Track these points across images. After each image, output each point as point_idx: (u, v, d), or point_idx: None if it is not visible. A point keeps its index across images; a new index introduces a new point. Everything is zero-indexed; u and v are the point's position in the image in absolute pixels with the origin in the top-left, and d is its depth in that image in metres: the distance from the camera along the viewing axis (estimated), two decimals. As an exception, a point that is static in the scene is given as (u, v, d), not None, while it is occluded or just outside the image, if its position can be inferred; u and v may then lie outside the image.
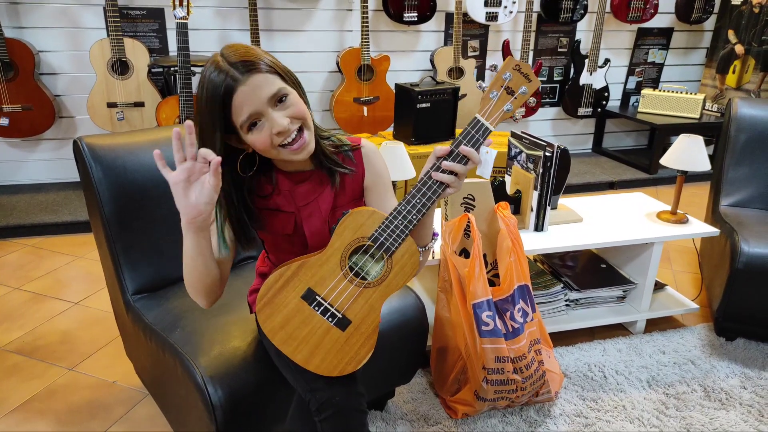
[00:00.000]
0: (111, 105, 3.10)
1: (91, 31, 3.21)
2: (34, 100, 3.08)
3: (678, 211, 2.18)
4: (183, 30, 2.90)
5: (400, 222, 1.06)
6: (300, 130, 1.09)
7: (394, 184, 2.01)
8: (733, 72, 4.07)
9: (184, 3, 2.87)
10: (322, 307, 1.10)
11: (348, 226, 1.07)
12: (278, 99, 1.06)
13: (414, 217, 1.06)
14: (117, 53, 3.03)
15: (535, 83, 1.07)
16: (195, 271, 1.11)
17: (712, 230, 2.11)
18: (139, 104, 3.13)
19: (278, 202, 1.19)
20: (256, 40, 3.26)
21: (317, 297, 1.10)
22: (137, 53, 3.07)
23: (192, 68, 3.02)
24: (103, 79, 3.06)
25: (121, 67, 3.07)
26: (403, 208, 1.06)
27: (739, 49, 4.02)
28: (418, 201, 1.05)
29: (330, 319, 1.10)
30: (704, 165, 2.08)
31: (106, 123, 3.13)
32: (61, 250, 2.76)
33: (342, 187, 1.20)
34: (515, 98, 1.06)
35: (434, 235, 1.18)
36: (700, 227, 2.11)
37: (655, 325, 2.23)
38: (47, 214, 2.97)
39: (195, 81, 3.17)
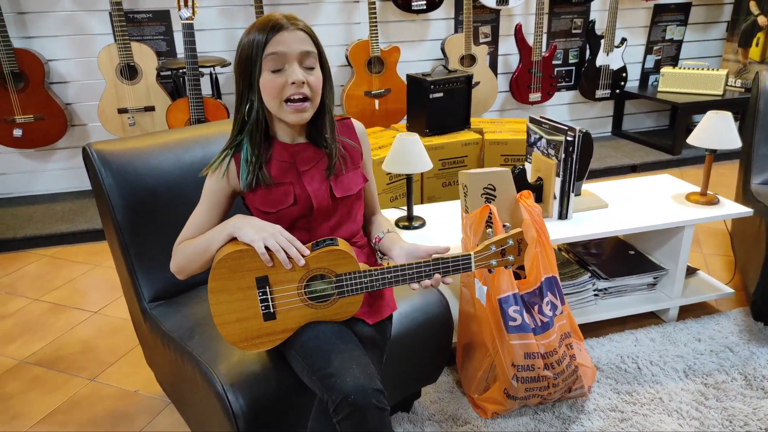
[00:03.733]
0: (122, 111, 3.08)
1: (98, 37, 3.19)
2: (46, 109, 3.07)
3: (708, 191, 2.09)
4: (189, 31, 2.87)
5: (367, 282, 1.17)
6: (306, 99, 1.17)
7: (410, 177, 1.96)
8: (757, 45, 3.92)
9: (189, 3, 2.83)
10: (263, 297, 1.17)
11: (327, 257, 1.16)
12: (306, 64, 1.16)
13: (379, 285, 1.18)
14: (125, 58, 3.00)
15: (520, 259, 1.24)
16: (201, 264, 1.21)
17: (745, 210, 2.01)
18: (150, 108, 3.11)
19: (275, 174, 1.23)
20: (263, 37, 3.22)
21: (267, 288, 1.17)
22: (145, 57, 3.05)
23: (200, 69, 2.98)
24: (113, 85, 3.04)
25: (129, 71, 3.04)
26: (376, 275, 1.16)
27: (762, 20, 3.87)
28: (388, 279, 1.17)
29: (263, 309, 1.18)
30: (734, 142, 1.99)
31: (117, 129, 3.11)
32: (79, 259, 2.76)
33: (341, 156, 1.27)
34: (502, 259, 1.23)
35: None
36: (732, 207, 2.02)
37: (688, 311, 2.14)
38: (64, 224, 2.97)
39: (204, 82, 3.14)
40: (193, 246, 1.21)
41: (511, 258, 1.23)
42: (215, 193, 1.24)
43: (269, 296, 1.17)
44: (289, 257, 1.14)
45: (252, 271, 1.15)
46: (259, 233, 1.13)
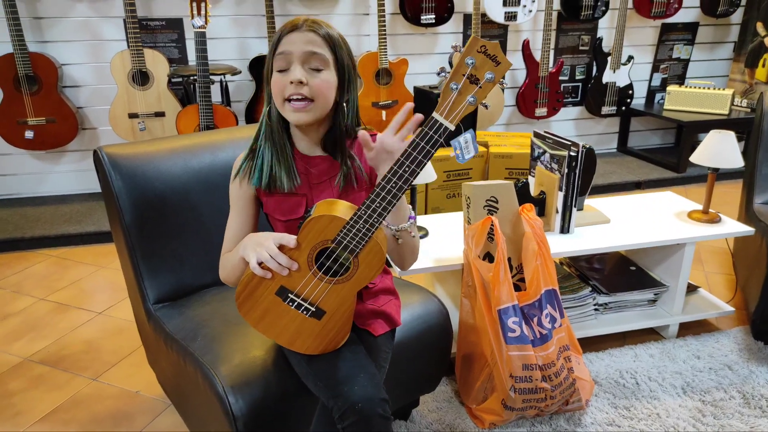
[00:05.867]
0: (132, 116, 3.13)
1: (112, 43, 3.25)
2: (58, 112, 3.12)
3: (710, 210, 2.10)
4: (201, 39, 2.92)
5: (362, 226, 1.05)
6: (305, 99, 1.15)
7: (414, 187, 1.98)
8: (763, 65, 3.94)
9: (203, 12, 2.88)
10: (295, 303, 1.15)
11: (311, 230, 1.09)
12: (313, 65, 1.14)
13: (376, 220, 1.05)
14: (137, 64, 3.05)
15: (505, 65, 0.94)
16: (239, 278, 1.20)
17: (746, 229, 2.02)
18: (160, 114, 3.15)
19: (287, 183, 1.22)
20: (274, 47, 3.26)
21: (289, 294, 1.14)
22: (157, 63, 3.10)
23: (211, 77, 3.03)
24: (124, 90, 3.09)
25: (141, 77, 3.09)
26: (363, 212, 1.04)
27: (768, 42, 3.89)
28: (378, 205, 1.04)
29: (305, 312, 1.16)
30: (737, 161, 2.01)
31: (127, 134, 3.16)
32: (85, 261, 2.79)
33: (355, 173, 1.24)
34: (480, 87, 0.95)
35: (411, 218, 1.20)
36: (734, 226, 2.03)
37: (688, 329, 2.15)
38: (71, 225, 3.01)
39: (214, 89, 3.18)
40: (227, 261, 1.23)
41: (490, 76, 0.95)
42: (240, 197, 1.25)
43: (299, 299, 1.15)
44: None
45: (268, 289, 1.14)
46: (254, 249, 1.11)
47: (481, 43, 0.94)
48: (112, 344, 2.12)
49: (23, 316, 2.31)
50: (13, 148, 3.22)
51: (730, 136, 2.00)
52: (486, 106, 0.99)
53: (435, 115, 0.98)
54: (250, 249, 1.12)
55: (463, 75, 0.96)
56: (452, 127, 0.98)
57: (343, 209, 1.09)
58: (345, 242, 1.07)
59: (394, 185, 1.02)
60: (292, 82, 1.13)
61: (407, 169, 1.01)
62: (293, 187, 1.22)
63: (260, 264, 1.10)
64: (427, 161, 1.00)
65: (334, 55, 1.16)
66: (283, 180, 1.20)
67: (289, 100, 1.15)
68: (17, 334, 2.18)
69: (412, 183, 1.03)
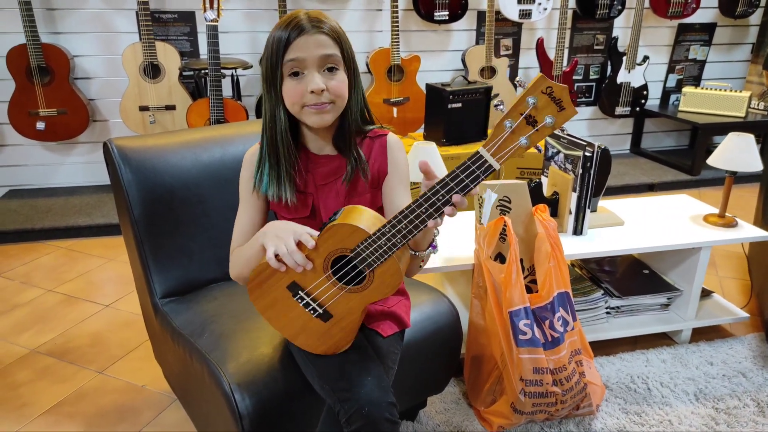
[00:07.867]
0: (143, 108, 3.13)
1: (124, 35, 3.24)
2: (69, 104, 3.12)
3: (726, 213, 2.06)
4: (213, 32, 2.90)
5: (383, 243, 1.02)
6: (331, 103, 1.14)
7: (425, 186, 1.95)
8: (782, 68, 3.87)
9: (215, 5, 2.87)
10: (304, 301, 1.14)
11: (332, 236, 1.05)
12: (328, 66, 1.12)
13: (399, 241, 1.01)
14: (149, 57, 3.05)
15: (569, 112, 0.85)
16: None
17: (763, 234, 1.98)
18: (171, 107, 3.15)
19: (298, 182, 1.21)
20: (285, 41, 3.24)
21: (300, 291, 1.13)
22: (168, 56, 3.09)
23: (222, 71, 3.02)
24: (136, 82, 3.09)
25: (152, 70, 3.09)
26: (388, 230, 1.00)
27: (787, 44, 3.83)
28: (405, 227, 0.99)
29: (312, 312, 1.15)
30: (755, 165, 1.96)
31: (138, 126, 3.16)
32: (94, 253, 2.79)
33: (363, 174, 1.21)
34: (536, 130, 0.86)
35: (432, 246, 1.15)
36: (751, 231, 1.99)
37: (701, 334, 2.11)
38: (81, 217, 3.01)
39: (225, 83, 3.17)
40: (240, 255, 1.19)
41: (549, 120, 0.86)
42: (251, 195, 1.23)
43: (308, 298, 1.13)
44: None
45: (281, 281, 1.13)
46: (273, 240, 1.08)
47: (548, 84, 0.86)
48: (118, 337, 2.11)
49: (31, 307, 2.31)
50: (25, 138, 3.23)
51: (749, 138, 1.96)
52: (538, 149, 0.93)
53: (482, 150, 0.92)
54: (270, 238, 1.09)
55: (521, 114, 0.88)
56: (497, 167, 0.92)
57: (368, 221, 1.05)
58: (363, 255, 1.05)
59: (424, 211, 0.97)
60: (312, 92, 1.10)
61: (441, 197, 0.96)
62: (297, 187, 1.20)
63: (276, 256, 1.07)
64: (464, 194, 0.95)
65: (342, 51, 1.13)
66: (283, 197, 1.19)
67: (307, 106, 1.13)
68: (25, 326, 2.18)
69: (442, 210, 0.97)
